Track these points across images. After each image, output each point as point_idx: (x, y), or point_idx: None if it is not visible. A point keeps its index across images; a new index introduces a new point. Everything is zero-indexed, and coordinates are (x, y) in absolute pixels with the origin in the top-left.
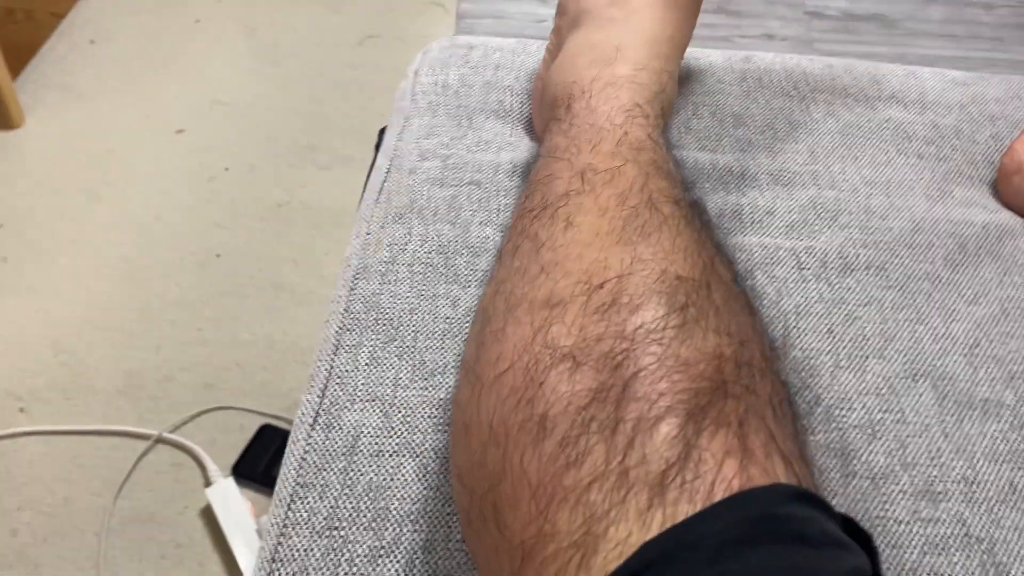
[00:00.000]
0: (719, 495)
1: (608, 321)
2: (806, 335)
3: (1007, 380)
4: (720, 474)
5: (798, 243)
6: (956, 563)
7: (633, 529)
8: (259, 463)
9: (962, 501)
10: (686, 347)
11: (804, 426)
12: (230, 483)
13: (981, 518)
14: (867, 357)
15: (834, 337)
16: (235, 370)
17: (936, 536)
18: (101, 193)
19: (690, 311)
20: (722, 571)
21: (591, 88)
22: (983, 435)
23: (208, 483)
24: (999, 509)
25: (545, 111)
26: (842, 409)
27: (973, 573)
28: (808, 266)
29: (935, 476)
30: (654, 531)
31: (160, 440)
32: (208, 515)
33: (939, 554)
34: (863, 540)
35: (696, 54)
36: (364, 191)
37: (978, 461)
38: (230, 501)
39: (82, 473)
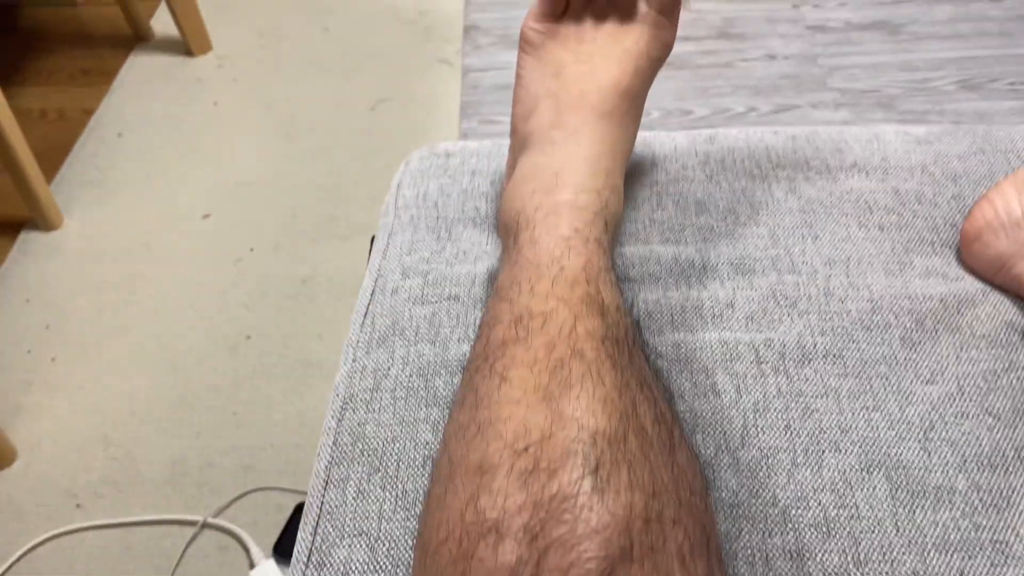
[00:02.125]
0: None
1: (528, 489)
2: (764, 433)
3: (960, 465)
4: None
5: (757, 336)
6: None
7: None
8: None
9: None
10: (596, 513)
11: (722, 563)
12: (271, 565)
13: None
14: (824, 451)
15: (791, 433)
16: (270, 450)
17: None
18: (137, 285)
19: (601, 471)
20: None
21: (534, 217)
22: (935, 524)
23: (252, 564)
24: None
25: (501, 235)
26: (799, 508)
27: None
28: (767, 360)
29: (886, 572)
30: None
31: (205, 525)
32: None
33: None
34: None
35: (662, 138)
36: (354, 313)
37: (929, 553)
38: None
39: (135, 563)
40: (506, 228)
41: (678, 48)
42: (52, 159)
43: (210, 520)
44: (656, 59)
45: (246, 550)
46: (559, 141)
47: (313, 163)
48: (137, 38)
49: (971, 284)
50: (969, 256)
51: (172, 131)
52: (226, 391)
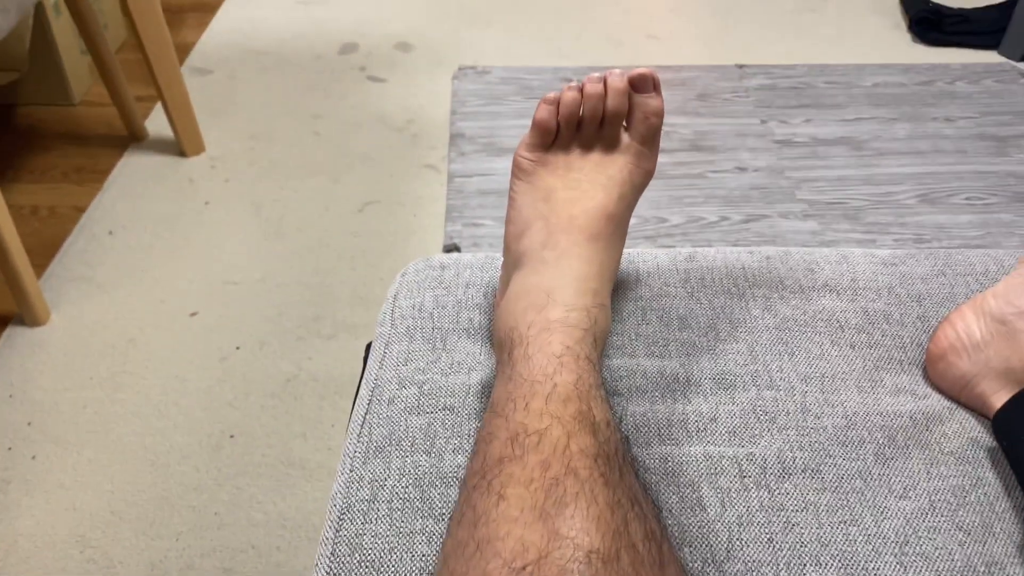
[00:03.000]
0: None
1: None
2: (748, 546)
3: None
4: None
5: (740, 450)
6: None
7: None
8: None
9: None
10: None
11: None
12: None
13: None
14: (805, 565)
15: (775, 546)
16: (251, 552)
17: None
18: (122, 382)
19: None
20: None
21: (527, 334)
22: None
23: None
24: None
25: (495, 350)
26: None
27: None
28: (749, 473)
29: None
30: None
31: None
32: None
33: None
34: None
35: (644, 256)
36: (349, 422)
37: None
38: None
39: None
40: (500, 344)
41: None
42: (41, 255)
43: None
44: (639, 186)
45: None
46: (550, 261)
47: (301, 262)
48: (132, 138)
49: (938, 401)
50: (935, 375)
51: (163, 229)
52: (208, 491)
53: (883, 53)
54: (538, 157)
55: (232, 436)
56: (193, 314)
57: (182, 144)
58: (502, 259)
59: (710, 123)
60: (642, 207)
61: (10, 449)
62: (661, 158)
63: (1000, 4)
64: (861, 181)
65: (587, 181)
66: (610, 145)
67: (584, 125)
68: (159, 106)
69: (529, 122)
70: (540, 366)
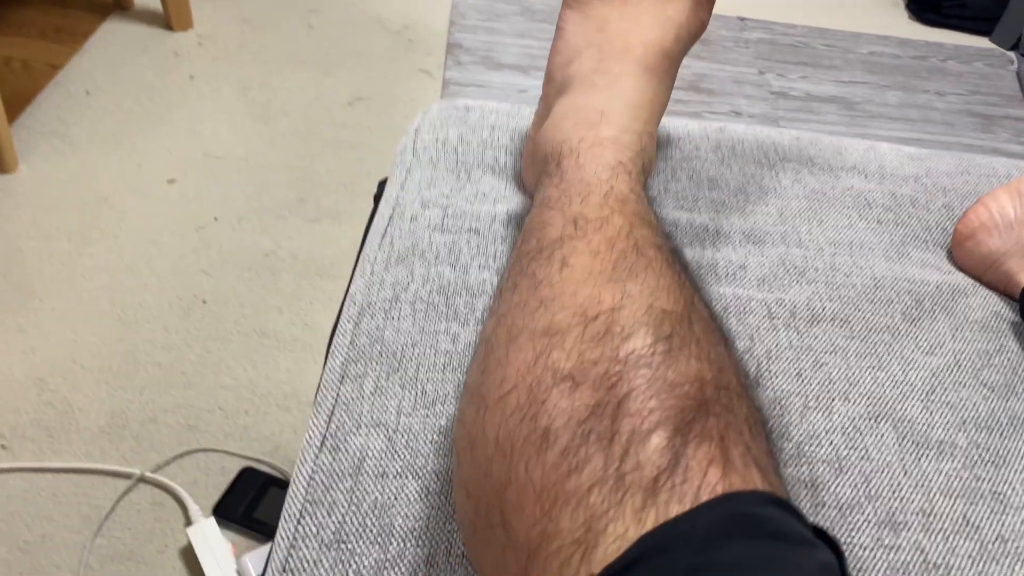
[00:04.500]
0: (704, 497)
1: (603, 347)
2: (777, 377)
3: (959, 425)
4: (705, 480)
5: (769, 295)
6: None
7: (630, 525)
8: (240, 505)
9: (921, 531)
10: (672, 371)
11: (777, 446)
12: (211, 523)
13: (938, 546)
14: (833, 399)
15: (803, 380)
16: (218, 413)
17: (898, 562)
18: (92, 238)
19: (674, 340)
20: (707, 560)
21: (579, 147)
22: (939, 472)
23: (189, 523)
24: (954, 539)
25: (536, 167)
26: (811, 445)
27: None
28: (778, 316)
29: (896, 508)
30: (648, 527)
31: (142, 479)
32: (188, 555)
33: None
34: (831, 545)
35: (675, 123)
36: (365, 236)
37: (935, 496)
38: (211, 541)
39: (62, 511)
40: (546, 158)
41: None
42: (12, 107)
43: (147, 475)
44: (693, 34)
45: (183, 508)
46: (601, 85)
47: (286, 146)
48: (117, 6)
49: (962, 278)
50: (961, 254)
51: (144, 96)
52: (176, 350)
53: (880, 26)
54: None
55: (205, 301)
56: (171, 181)
57: (169, 17)
58: (541, 91)
59: (710, 67)
60: None
61: None
62: None
63: None
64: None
65: (645, 15)
66: None
67: None
68: None
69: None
70: (594, 171)
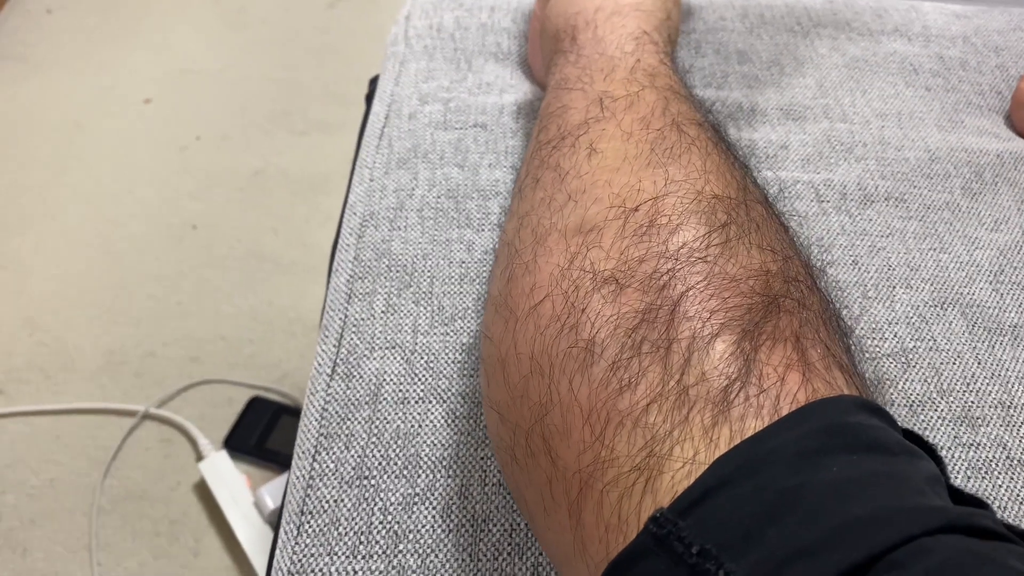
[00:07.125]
0: (786, 409)
1: (649, 242)
2: (831, 267)
3: None
4: (784, 388)
5: (815, 176)
6: (1001, 485)
7: (700, 447)
8: (251, 435)
9: (1001, 425)
10: (732, 264)
11: (856, 340)
12: (223, 456)
13: (1021, 441)
14: (894, 287)
15: (860, 268)
16: (220, 343)
17: (979, 460)
18: (68, 166)
19: (731, 229)
20: (800, 484)
21: (595, 18)
22: (1015, 360)
23: (200, 457)
24: None
25: (547, 47)
26: (875, 339)
27: (1019, 495)
28: (828, 199)
29: (972, 402)
30: (723, 448)
31: (147, 416)
32: (202, 490)
33: (983, 477)
34: (927, 450)
35: None
36: (360, 141)
37: (1013, 386)
38: (224, 474)
39: (67, 453)
40: (557, 34)
41: None
42: None
43: (152, 411)
44: None
45: (193, 442)
46: None
47: (265, 55)
48: None
49: (1023, 145)
50: (1019, 119)
51: (109, 12)
52: (170, 280)
53: None
54: None
55: (195, 227)
56: (147, 101)
57: None
58: None
59: None
60: None
61: None
62: None
63: None
64: None
65: None
66: None
67: None
68: None
69: None
70: (617, 44)
